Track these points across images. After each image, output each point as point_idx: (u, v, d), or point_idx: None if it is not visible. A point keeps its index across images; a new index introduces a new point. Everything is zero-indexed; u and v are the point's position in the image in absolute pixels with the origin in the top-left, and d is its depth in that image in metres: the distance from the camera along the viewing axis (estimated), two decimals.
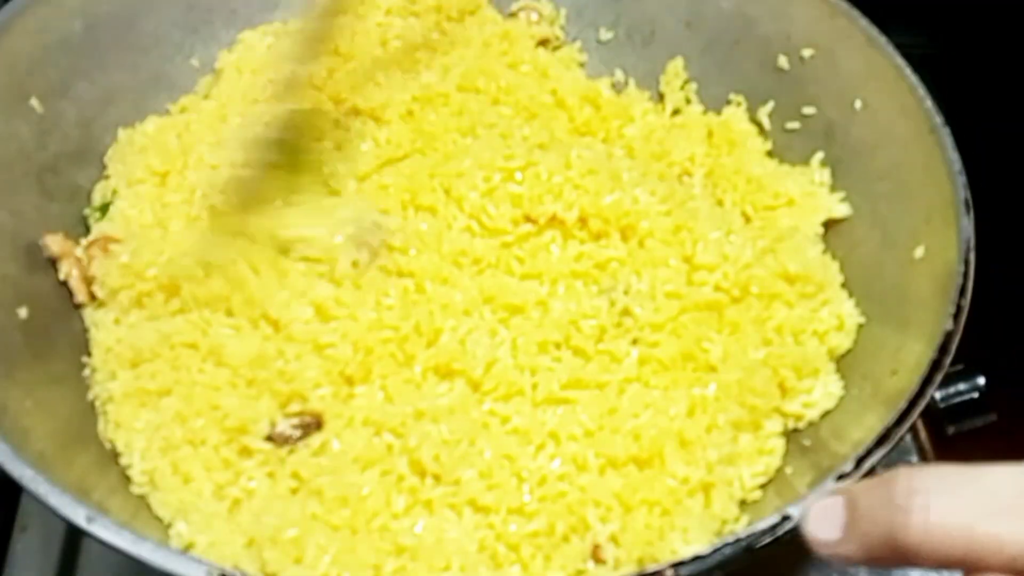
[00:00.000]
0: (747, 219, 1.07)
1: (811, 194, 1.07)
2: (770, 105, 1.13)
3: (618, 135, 1.11)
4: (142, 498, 0.88)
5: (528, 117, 1.08)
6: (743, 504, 0.89)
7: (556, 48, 1.22)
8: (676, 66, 1.18)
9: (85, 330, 0.98)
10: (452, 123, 1.06)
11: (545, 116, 1.09)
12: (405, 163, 1.03)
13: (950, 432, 1.10)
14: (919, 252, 0.94)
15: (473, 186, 0.99)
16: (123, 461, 0.90)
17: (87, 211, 1.05)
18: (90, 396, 0.94)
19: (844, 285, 1.01)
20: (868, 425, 0.83)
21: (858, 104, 1.05)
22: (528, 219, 0.98)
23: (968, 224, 0.90)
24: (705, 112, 1.16)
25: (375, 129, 1.06)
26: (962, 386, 1.08)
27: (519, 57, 1.14)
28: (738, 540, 0.73)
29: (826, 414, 0.93)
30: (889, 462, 1.07)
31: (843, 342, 0.97)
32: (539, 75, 1.13)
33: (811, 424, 0.93)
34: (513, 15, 1.21)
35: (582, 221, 0.99)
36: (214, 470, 0.87)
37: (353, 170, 1.02)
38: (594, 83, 1.16)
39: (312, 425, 0.88)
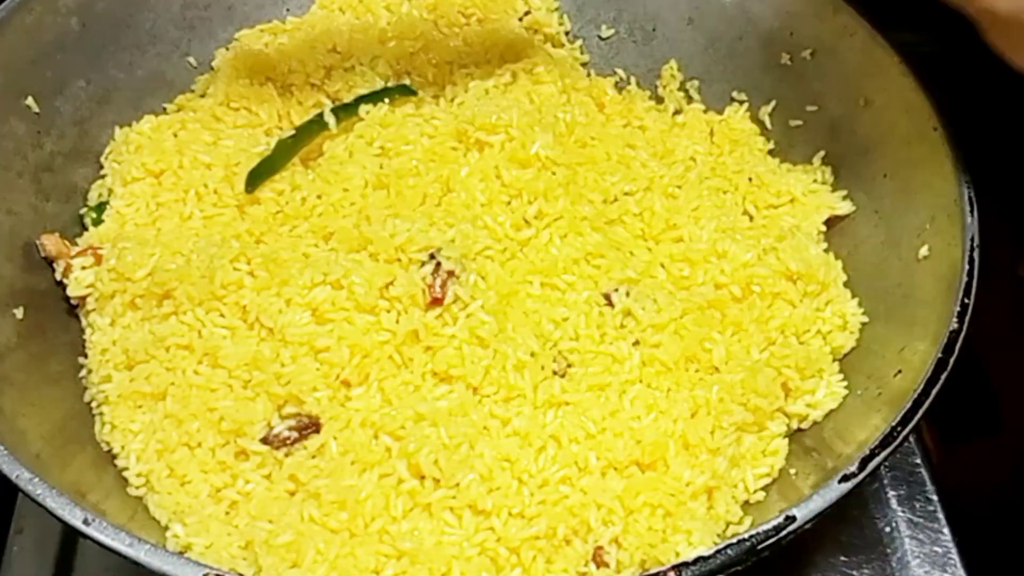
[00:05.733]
0: (749, 218, 1.06)
1: (813, 192, 1.06)
2: (772, 103, 1.13)
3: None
4: (139, 500, 0.88)
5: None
6: (746, 505, 0.88)
7: (559, 45, 1.21)
8: (671, 68, 1.18)
9: (82, 331, 0.97)
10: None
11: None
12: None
13: (955, 433, 1.09)
14: (923, 251, 0.93)
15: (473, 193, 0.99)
16: (120, 463, 0.89)
17: (83, 210, 1.04)
18: (86, 397, 0.93)
19: (847, 284, 1.00)
20: (872, 425, 0.83)
21: (861, 102, 1.05)
22: (526, 221, 0.98)
23: (972, 222, 0.89)
24: (707, 110, 1.15)
25: None
26: (967, 386, 1.07)
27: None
28: (741, 541, 0.73)
29: (829, 414, 0.93)
30: (893, 463, 1.08)
31: (846, 342, 0.96)
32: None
33: (815, 425, 0.93)
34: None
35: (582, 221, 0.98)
36: (211, 472, 0.87)
37: None
38: (599, 81, 1.16)
39: (309, 427, 0.87)
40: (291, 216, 0.99)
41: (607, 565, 0.82)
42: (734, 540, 0.73)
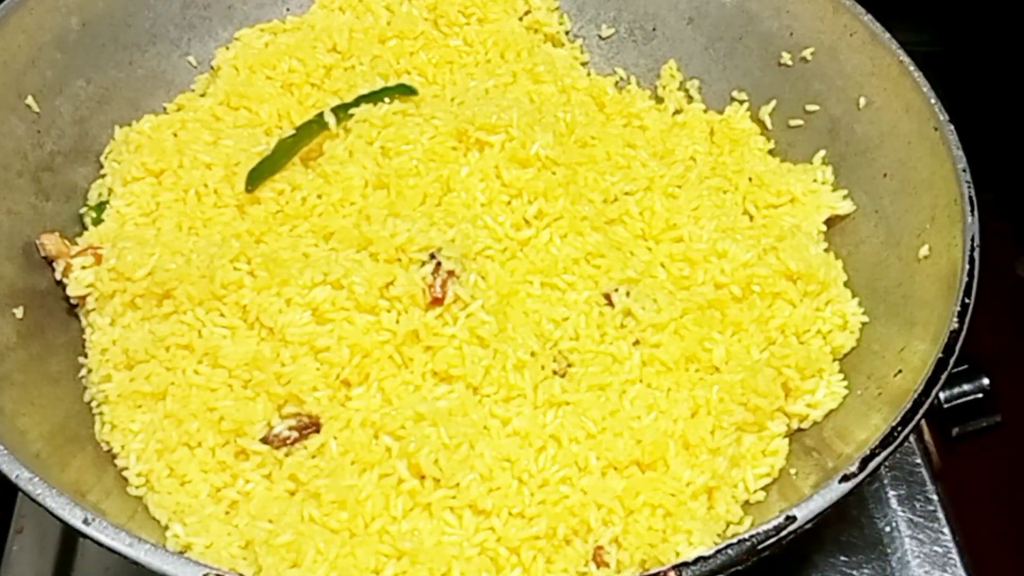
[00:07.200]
0: (749, 217, 1.06)
1: (814, 192, 1.06)
2: (773, 103, 1.13)
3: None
4: (139, 500, 0.87)
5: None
6: (746, 505, 0.88)
7: (559, 45, 1.21)
8: (671, 68, 1.18)
9: (82, 330, 0.97)
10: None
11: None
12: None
13: (954, 433, 1.09)
14: (923, 251, 0.93)
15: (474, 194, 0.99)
16: (120, 463, 0.89)
17: (83, 210, 1.04)
18: (86, 397, 0.93)
19: (847, 284, 1.00)
20: (872, 425, 0.83)
21: (862, 101, 1.05)
22: (526, 221, 0.98)
23: (973, 222, 0.89)
24: (707, 110, 1.15)
25: None
26: (967, 386, 1.07)
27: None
28: (741, 541, 0.73)
29: (829, 414, 0.93)
30: (893, 463, 1.08)
31: (847, 341, 0.96)
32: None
33: (815, 424, 0.93)
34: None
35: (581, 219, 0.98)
36: (211, 472, 0.87)
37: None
38: (599, 81, 1.16)
39: (309, 427, 0.87)
40: (291, 216, 0.99)
41: (607, 565, 0.82)
42: (734, 540, 0.73)
